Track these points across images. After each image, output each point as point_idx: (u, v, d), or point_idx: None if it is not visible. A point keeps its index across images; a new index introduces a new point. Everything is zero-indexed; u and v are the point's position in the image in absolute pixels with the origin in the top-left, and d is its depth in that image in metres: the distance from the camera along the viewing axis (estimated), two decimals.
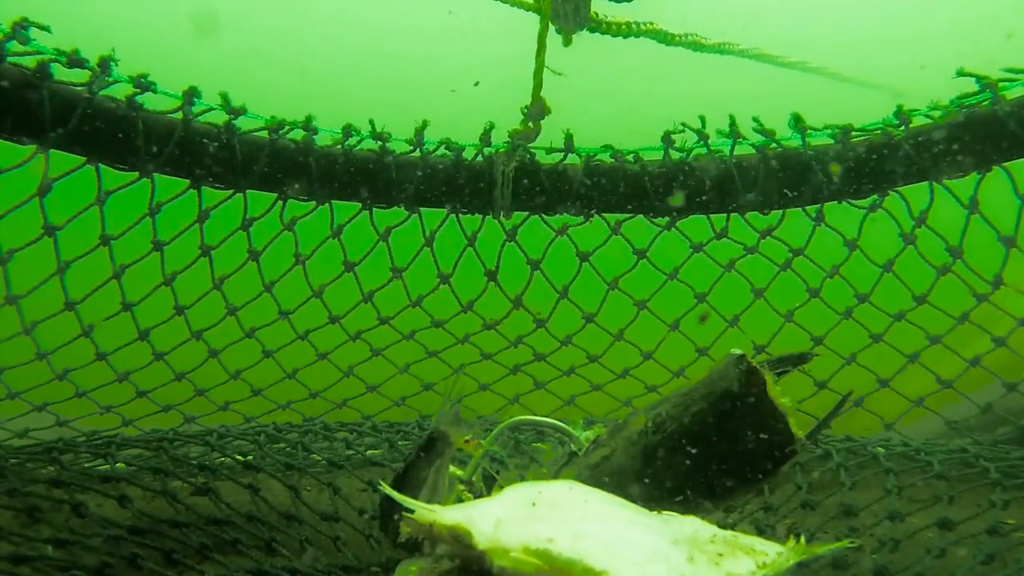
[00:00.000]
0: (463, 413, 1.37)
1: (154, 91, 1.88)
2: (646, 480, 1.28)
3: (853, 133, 2.02)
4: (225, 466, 1.72)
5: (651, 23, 2.10)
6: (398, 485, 1.23)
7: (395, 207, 2.12)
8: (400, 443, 2.04)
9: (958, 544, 1.41)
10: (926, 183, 2.00)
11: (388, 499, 1.13)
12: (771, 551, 1.01)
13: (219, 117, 1.96)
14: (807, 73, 2.89)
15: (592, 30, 2.00)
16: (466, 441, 1.33)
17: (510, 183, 2.07)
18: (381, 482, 1.21)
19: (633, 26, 2.06)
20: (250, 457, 1.80)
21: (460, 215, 2.15)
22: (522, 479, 1.29)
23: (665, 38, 2.15)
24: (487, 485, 1.35)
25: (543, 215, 2.15)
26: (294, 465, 1.76)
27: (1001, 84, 1.89)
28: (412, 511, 1.03)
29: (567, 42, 1.99)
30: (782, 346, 2.24)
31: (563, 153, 2.09)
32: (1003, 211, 1.99)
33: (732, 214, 2.11)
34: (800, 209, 2.11)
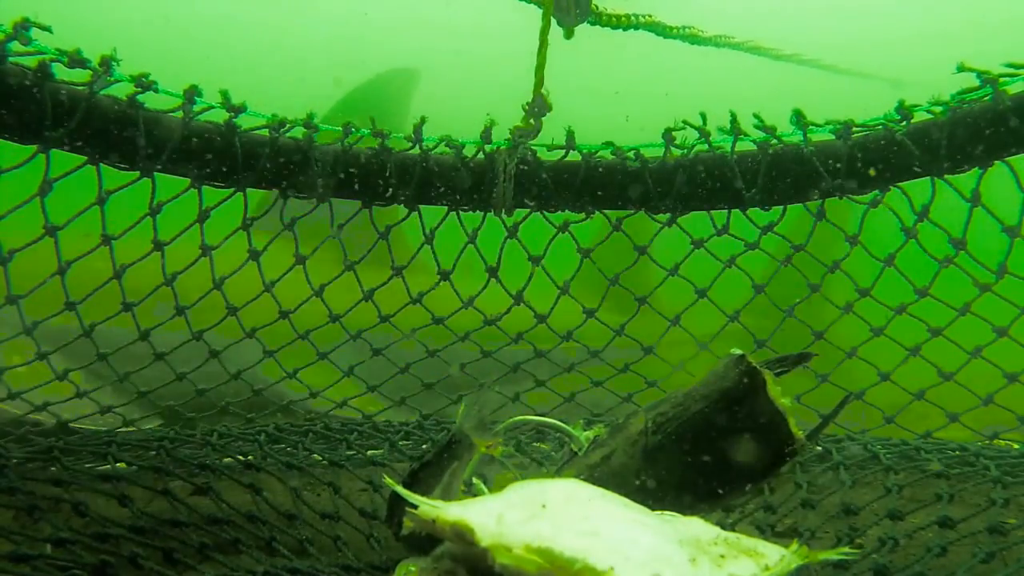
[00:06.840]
0: (488, 416, 1.36)
1: (156, 90, 1.88)
2: (646, 480, 1.28)
3: (854, 129, 2.01)
4: (226, 466, 1.72)
5: (649, 15, 2.10)
6: (410, 482, 1.22)
7: (395, 204, 2.12)
8: (400, 443, 2.04)
9: (958, 543, 1.40)
10: (927, 178, 1.99)
11: (395, 495, 1.13)
12: (774, 554, 1.01)
13: (220, 116, 1.96)
14: (802, 66, 2.88)
15: (593, 22, 2.00)
16: (488, 447, 1.32)
17: (512, 180, 2.06)
18: (387, 477, 1.21)
19: (632, 18, 2.05)
20: (251, 457, 1.80)
21: (460, 212, 2.15)
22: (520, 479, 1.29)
23: (663, 30, 2.14)
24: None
25: (544, 212, 2.15)
26: (295, 465, 1.76)
27: (1001, 79, 1.88)
28: (416, 507, 1.03)
29: (569, 35, 1.98)
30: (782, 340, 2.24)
31: (564, 150, 2.09)
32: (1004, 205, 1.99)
33: (733, 210, 2.11)
34: (801, 205, 2.10)
